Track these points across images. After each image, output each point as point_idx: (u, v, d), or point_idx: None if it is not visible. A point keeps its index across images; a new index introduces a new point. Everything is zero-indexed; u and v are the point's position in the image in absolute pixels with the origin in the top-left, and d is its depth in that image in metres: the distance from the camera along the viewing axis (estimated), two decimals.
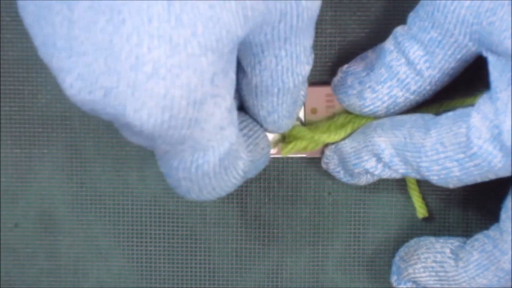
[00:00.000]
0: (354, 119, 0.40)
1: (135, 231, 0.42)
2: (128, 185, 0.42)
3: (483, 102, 0.35)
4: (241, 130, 0.37)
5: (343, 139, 0.40)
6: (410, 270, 0.40)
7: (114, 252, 0.43)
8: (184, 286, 0.43)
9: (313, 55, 0.36)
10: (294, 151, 0.40)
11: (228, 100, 0.33)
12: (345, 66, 0.39)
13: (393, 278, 0.40)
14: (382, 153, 0.38)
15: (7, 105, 0.42)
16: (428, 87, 0.37)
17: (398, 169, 0.38)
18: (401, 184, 0.42)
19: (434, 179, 0.37)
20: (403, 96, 0.38)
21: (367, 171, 0.39)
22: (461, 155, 0.35)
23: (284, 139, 0.40)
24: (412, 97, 0.38)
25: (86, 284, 0.43)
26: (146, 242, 0.43)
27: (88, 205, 0.42)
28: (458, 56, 0.37)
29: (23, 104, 0.42)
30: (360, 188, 0.42)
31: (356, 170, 0.39)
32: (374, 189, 0.42)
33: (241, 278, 0.43)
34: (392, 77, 0.38)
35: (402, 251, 0.40)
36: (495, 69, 0.35)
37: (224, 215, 0.42)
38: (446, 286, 0.38)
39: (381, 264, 0.42)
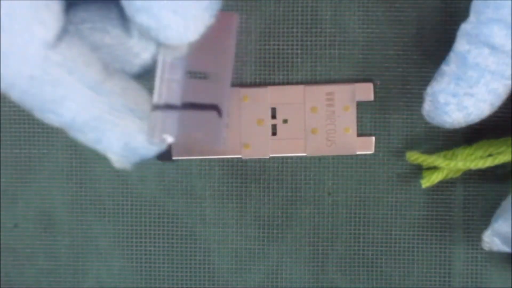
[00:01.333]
0: (495, 152, 0.39)
1: (135, 231, 0.42)
2: (128, 186, 0.42)
3: None
4: None
5: (481, 167, 0.39)
6: (495, 225, 0.39)
7: (114, 252, 0.43)
8: (184, 286, 0.43)
9: None
10: (436, 182, 0.40)
11: None
12: (428, 88, 0.37)
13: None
14: None
15: (7, 105, 0.42)
16: None
17: None
18: (401, 184, 0.42)
19: None
20: (501, 84, 0.36)
21: None
22: None
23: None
24: (509, 82, 0.36)
25: (85, 284, 0.43)
26: (145, 242, 0.42)
27: (88, 205, 0.42)
28: None
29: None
30: (360, 189, 0.42)
31: None
32: (374, 190, 0.42)
33: (241, 278, 0.43)
34: (484, 73, 0.36)
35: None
36: None
37: (223, 215, 0.42)
38: None
39: (381, 264, 0.42)
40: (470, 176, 0.41)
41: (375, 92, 0.41)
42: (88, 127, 0.32)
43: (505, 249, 0.39)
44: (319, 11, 0.41)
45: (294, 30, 0.41)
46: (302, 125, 0.41)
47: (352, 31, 0.41)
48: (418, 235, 0.42)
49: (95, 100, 0.32)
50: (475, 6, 0.36)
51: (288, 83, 0.41)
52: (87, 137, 0.33)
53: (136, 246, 0.43)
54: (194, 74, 0.35)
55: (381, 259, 0.42)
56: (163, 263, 0.43)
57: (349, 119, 0.41)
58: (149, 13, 0.31)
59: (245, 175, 0.42)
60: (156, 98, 0.33)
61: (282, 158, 0.42)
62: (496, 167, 0.40)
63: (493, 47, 0.36)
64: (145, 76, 0.34)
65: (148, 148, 0.33)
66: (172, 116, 0.34)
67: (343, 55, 0.41)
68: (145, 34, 0.32)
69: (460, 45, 0.36)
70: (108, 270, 0.43)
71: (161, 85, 0.33)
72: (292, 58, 0.41)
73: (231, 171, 0.42)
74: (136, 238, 0.42)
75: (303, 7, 0.41)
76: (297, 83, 0.41)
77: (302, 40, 0.41)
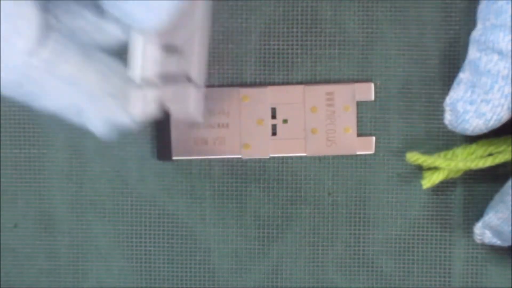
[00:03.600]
0: (495, 152, 0.39)
1: (135, 231, 0.42)
2: (128, 185, 0.42)
3: None
4: None
5: (482, 167, 0.39)
6: (486, 217, 0.39)
7: (114, 252, 0.43)
8: (184, 286, 0.43)
9: None
10: (437, 182, 0.40)
11: None
12: (447, 99, 0.38)
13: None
14: None
15: (7, 105, 0.42)
16: None
17: None
18: (401, 184, 0.42)
19: None
20: None
21: None
22: None
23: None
24: None
25: (85, 284, 0.43)
26: (145, 242, 0.42)
27: (88, 205, 0.42)
28: None
29: (23, 104, 0.42)
30: (360, 189, 0.42)
31: None
32: (374, 190, 0.42)
33: (241, 279, 0.43)
34: (497, 78, 0.36)
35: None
36: None
37: (223, 215, 0.42)
38: None
39: (381, 264, 0.42)
40: (470, 176, 0.41)
41: (375, 92, 0.41)
42: (71, 113, 0.35)
43: (496, 242, 0.40)
44: (319, 11, 0.41)
45: (294, 30, 0.41)
46: (302, 125, 0.41)
47: (352, 31, 0.41)
48: (418, 235, 0.42)
49: (74, 92, 0.34)
50: (480, 13, 0.36)
51: (288, 83, 0.41)
52: (72, 119, 0.35)
53: (136, 246, 0.42)
54: (167, 48, 0.35)
55: (381, 259, 0.42)
56: (163, 263, 0.43)
57: (349, 119, 0.41)
58: (119, 8, 0.33)
59: (245, 175, 0.42)
60: (133, 74, 0.35)
61: (282, 158, 0.42)
62: (497, 166, 0.40)
63: (500, 53, 0.36)
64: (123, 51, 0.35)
65: (130, 122, 0.35)
66: (150, 91, 0.35)
67: (343, 55, 0.41)
68: (120, 21, 0.34)
69: (472, 52, 0.37)
70: (108, 270, 0.43)
71: (136, 61, 0.35)
72: (292, 58, 0.41)
73: (231, 171, 0.42)
74: (136, 238, 0.42)
75: (303, 7, 0.41)
76: (297, 83, 0.41)
77: (302, 40, 0.41)
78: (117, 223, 0.42)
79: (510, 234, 0.39)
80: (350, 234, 0.42)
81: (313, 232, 0.42)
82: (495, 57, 0.36)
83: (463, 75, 0.37)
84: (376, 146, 0.42)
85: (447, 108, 0.38)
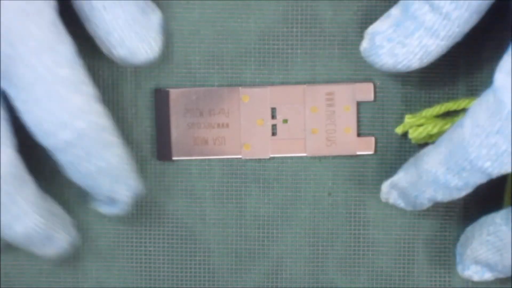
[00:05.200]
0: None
1: (135, 231, 0.42)
2: None
3: (503, 62, 0.35)
4: None
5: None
6: (469, 252, 0.39)
7: (114, 252, 0.43)
8: (184, 286, 0.43)
9: None
10: (422, 138, 0.40)
11: (53, 1, 0.35)
12: (370, 27, 0.38)
13: (459, 268, 0.40)
14: (437, 177, 0.37)
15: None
16: (457, 30, 0.37)
17: (457, 184, 0.37)
18: None
19: (488, 166, 0.36)
20: (433, 43, 0.37)
21: (429, 200, 0.39)
22: (499, 123, 0.35)
23: None
24: (443, 43, 0.37)
25: (86, 284, 0.43)
26: (145, 242, 0.42)
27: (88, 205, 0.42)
28: None
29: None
30: (360, 189, 0.42)
31: (418, 201, 0.39)
32: (374, 190, 0.42)
33: (241, 279, 0.43)
34: (420, 27, 0.37)
35: (461, 239, 0.40)
36: None
37: (223, 215, 0.42)
38: (505, 254, 0.38)
39: (381, 265, 0.42)
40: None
41: (375, 92, 0.41)
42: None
43: (401, 203, 0.40)
44: (319, 11, 0.41)
45: (294, 30, 0.41)
46: (302, 125, 0.41)
47: (352, 31, 0.41)
48: (418, 235, 0.42)
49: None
50: None
51: (288, 83, 0.41)
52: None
53: (136, 246, 0.42)
54: None
55: (381, 259, 0.42)
56: (163, 263, 0.43)
57: (349, 119, 0.41)
58: (123, 46, 0.38)
59: (245, 175, 0.42)
60: None
61: (282, 158, 0.42)
62: None
63: (432, 5, 0.37)
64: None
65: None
66: None
67: (343, 55, 0.41)
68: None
69: None
70: (108, 270, 0.43)
71: None
72: (292, 58, 0.41)
73: (231, 171, 0.42)
74: (136, 238, 0.42)
75: (303, 7, 0.41)
76: (297, 83, 0.41)
77: (302, 40, 0.41)
78: (117, 223, 0.42)
79: (414, 199, 0.39)
80: (350, 234, 0.42)
81: (313, 232, 0.42)
82: (426, 7, 0.37)
83: (394, 11, 0.38)
84: (376, 146, 0.42)
85: (366, 36, 0.39)
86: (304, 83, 0.41)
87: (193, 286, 0.43)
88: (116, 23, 0.37)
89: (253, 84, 0.41)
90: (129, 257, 0.42)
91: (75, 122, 0.36)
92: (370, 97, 0.41)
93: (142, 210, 0.42)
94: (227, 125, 0.41)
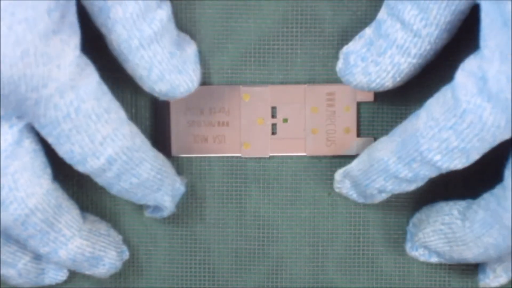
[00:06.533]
0: None
1: (135, 231, 0.42)
2: None
3: (467, 61, 0.36)
4: None
5: None
6: (420, 235, 0.40)
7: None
8: (184, 286, 0.43)
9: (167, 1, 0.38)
10: None
11: (74, 40, 0.36)
12: (345, 47, 0.39)
13: (407, 246, 0.41)
14: (387, 166, 0.38)
15: None
16: (428, 47, 0.37)
17: (407, 175, 0.38)
18: None
19: (438, 159, 0.37)
20: (405, 62, 0.38)
21: (379, 190, 0.39)
22: (453, 119, 0.36)
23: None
24: (414, 61, 0.38)
25: (86, 284, 0.43)
26: (146, 242, 0.42)
27: (88, 205, 0.42)
28: (453, 8, 0.36)
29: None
30: None
31: (368, 191, 0.39)
32: None
33: (241, 279, 0.42)
34: (391, 45, 0.38)
35: (415, 218, 0.41)
36: (488, 16, 0.35)
37: (223, 215, 0.42)
38: (455, 247, 0.39)
39: (381, 264, 0.42)
40: (470, 176, 0.41)
41: (375, 93, 0.41)
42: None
43: (353, 195, 0.40)
44: (319, 11, 0.41)
45: (294, 30, 0.41)
46: (302, 125, 0.41)
47: (352, 31, 0.41)
48: None
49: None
50: None
51: (287, 84, 0.41)
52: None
53: (137, 246, 0.42)
54: None
55: (381, 259, 0.42)
56: (163, 263, 0.43)
57: (349, 119, 0.41)
58: (164, 80, 0.38)
59: (245, 175, 0.42)
60: None
61: (282, 158, 0.42)
62: (495, 157, 0.39)
63: (403, 23, 0.37)
64: None
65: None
66: None
67: None
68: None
69: (382, 13, 0.38)
70: None
71: None
72: (292, 58, 0.41)
73: (231, 171, 0.42)
74: (137, 238, 0.42)
75: (303, 7, 0.41)
76: (297, 83, 0.41)
77: (302, 40, 0.41)
78: (117, 223, 0.42)
79: (365, 188, 0.39)
80: (350, 234, 0.42)
81: (312, 233, 0.42)
82: (398, 25, 0.37)
83: (368, 31, 0.39)
84: None
85: (341, 56, 0.39)
86: (303, 83, 0.41)
87: (193, 286, 0.43)
88: (155, 60, 0.38)
89: (253, 83, 0.41)
90: (130, 257, 0.42)
91: (104, 151, 0.37)
92: (370, 97, 0.41)
93: (141, 210, 0.42)
94: (227, 124, 0.41)
